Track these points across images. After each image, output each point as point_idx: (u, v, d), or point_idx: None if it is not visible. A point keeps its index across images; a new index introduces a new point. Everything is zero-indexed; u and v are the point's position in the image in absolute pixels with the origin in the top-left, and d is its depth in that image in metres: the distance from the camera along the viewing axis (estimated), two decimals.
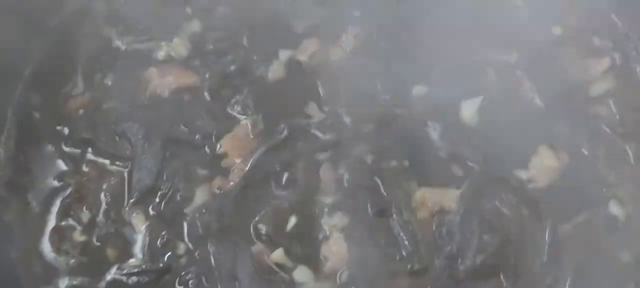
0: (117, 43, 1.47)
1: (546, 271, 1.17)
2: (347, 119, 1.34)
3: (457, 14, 1.42)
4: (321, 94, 1.38)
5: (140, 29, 1.47)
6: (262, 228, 1.22)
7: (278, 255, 1.18)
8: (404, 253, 1.18)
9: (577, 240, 1.20)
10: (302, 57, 1.43)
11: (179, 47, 1.45)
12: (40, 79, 1.42)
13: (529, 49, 1.42)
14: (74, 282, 1.19)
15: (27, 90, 1.40)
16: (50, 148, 1.34)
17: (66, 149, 1.33)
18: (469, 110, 1.34)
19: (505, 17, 1.46)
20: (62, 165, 1.32)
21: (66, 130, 1.35)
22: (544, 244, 1.19)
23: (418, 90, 1.37)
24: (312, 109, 1.36)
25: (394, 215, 1.21)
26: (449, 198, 1.23)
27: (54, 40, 1.46)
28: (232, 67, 1.41)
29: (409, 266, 1.17)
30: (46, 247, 1.22)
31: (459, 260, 1.17)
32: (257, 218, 1.23)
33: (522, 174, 1.27)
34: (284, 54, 1.43)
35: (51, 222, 1.25)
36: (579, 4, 1.47)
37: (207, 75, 1.41)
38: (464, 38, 1.44)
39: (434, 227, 1.21)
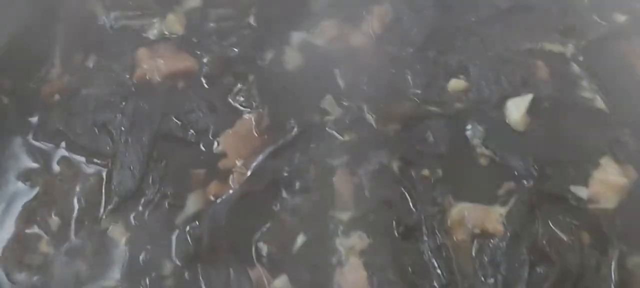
0: (103, 19, 1.29)
1: None
2: (369, 117, 1.16)
3: None
4: (340, 86, 1.19)
5: (130, 3, 1.30)
6: (264, 248, 1.02)
7: (281, 283, 0.99)
8: (435, 285, 0.99)
9: None
10: (319, 41, 1.25)
11: (174, 24, 1.27)
12: (12, 59, 1.24)
13: (588, 39, 1.24)
14: None
15: None
16: (18, 140, 1.16)
17: (36, 143, 1.14)
18: (516, 110, 1.14)
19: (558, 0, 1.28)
20: (30, 162, 1.12)
21: (36, 120, 1.16)
22: (610, 280, 0.97)
23: (455, 84, 1.18)
24: (328, 103, 1.18)
25: (425, 237, 1.02)
26: (493, 218, 1.04)
27: (29, 15, 1.26)
28: (236, 50, 1.24)
29: None
30: (4, 259, 1.02)
31: None
32: (258, 235, 1.03)
33: (582, 192, 1.07)
34: (297, 37, 1.25)
35: (11, 229, 1.05)
36: None
37: (205, 59, 1.23)
38: (510, 24, 1.26)
39: (473, 253, 1.02)
